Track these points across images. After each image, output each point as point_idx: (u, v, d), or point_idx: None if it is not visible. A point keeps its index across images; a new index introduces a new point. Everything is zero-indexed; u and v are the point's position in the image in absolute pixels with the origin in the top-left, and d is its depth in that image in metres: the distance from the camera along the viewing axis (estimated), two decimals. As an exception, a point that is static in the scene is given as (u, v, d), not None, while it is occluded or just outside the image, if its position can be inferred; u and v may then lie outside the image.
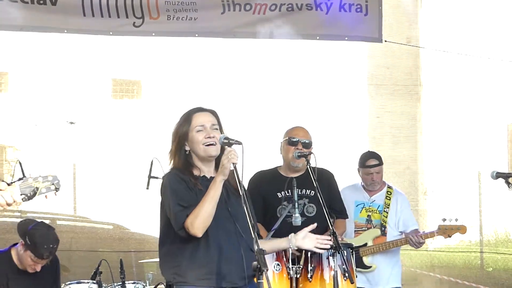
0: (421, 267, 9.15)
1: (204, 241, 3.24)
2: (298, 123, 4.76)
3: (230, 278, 3.27)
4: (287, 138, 4.40)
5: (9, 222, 7.52)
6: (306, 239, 3.51)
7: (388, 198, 5.37)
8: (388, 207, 5.34)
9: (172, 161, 3.37)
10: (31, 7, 5.20)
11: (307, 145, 4.28)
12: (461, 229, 5.42)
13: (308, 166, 4.08)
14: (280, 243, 3.65)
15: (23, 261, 4.54)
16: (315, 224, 3.56)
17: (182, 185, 3.24)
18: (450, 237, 5.58)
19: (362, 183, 5.31)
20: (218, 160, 3.29)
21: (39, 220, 4.91)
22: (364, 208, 5.42)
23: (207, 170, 3.35)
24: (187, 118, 3.29)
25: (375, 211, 5.37)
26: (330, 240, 3.60)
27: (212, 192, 3.17)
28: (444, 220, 5.46)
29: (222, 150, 3.23)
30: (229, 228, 3.27)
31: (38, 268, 4.62)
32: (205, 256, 3.27)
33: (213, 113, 3.34)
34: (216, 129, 3.27)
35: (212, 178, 3.27)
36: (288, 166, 4.44)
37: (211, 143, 3.20)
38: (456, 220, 5.44)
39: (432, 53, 11.98)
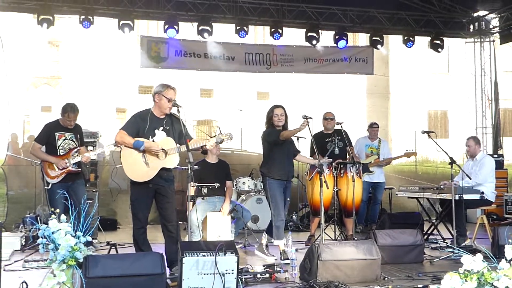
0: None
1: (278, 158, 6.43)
2: (328, 107, 9.05)
3: (287, 175, 6.53)
4: (324, 117, 7.99)
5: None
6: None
7: (379, 143, 8.99)
8: (379, 147, 8.95)
9: (266, 126, 6.65)
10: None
11: (333, 120, 7.89)
12: (414, 154, 9.05)
13: (340, 127, 7.49)
14: (312, 160, 7.14)
15: (210, 154, 7.22)
16: (330, 159, 7.13)
17: (273, 132, 6.50)
18: (409, 157, 9.34)
19: (368, 135, 9.03)
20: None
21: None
22: (369, 147, 8.97)
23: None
24: (271, 110, 6.60)
25: (374, 148, 8.93)
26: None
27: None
28: (406, 150, 8.99)
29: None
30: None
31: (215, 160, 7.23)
32: (278, 164, 6.48)
33: (283, 108, 6.61)
34: (283, 115, 6.53)
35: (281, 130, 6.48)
36: (326, 129, 8.04)
37: (279, 123, 6.50)
38: (412, 150, 9.07)
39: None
